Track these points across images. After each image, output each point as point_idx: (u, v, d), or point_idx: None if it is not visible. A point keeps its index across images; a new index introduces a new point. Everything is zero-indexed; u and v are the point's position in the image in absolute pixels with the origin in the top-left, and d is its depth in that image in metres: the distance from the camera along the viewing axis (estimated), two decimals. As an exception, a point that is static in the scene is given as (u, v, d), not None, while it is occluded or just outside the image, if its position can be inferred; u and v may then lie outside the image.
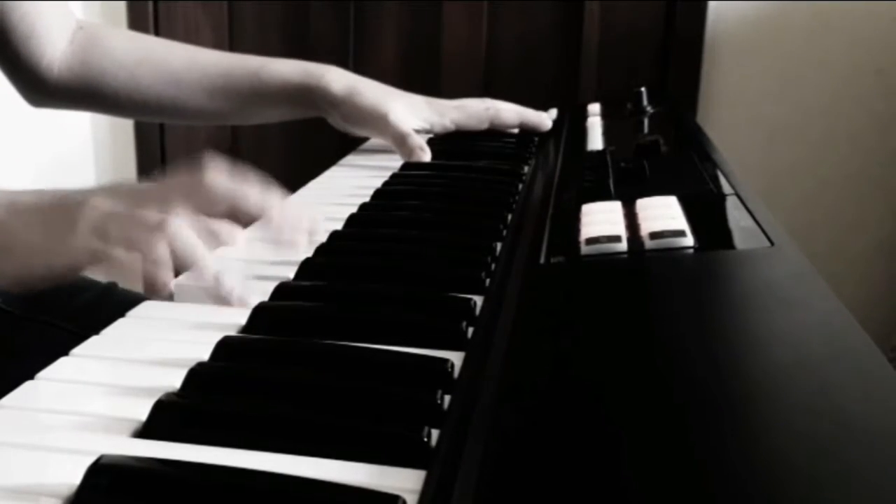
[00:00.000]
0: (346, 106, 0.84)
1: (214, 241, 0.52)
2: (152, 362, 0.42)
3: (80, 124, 1.88)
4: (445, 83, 1.75)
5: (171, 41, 0.91)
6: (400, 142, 0.85)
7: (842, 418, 0.32)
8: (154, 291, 0.50)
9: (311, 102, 0.86)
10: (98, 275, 0.53)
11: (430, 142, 0.93)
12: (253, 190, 0.54)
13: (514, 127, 0.95)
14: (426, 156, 0.84)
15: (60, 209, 0.53)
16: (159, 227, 0.50)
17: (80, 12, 1.87)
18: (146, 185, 0.56)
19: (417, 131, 0.87)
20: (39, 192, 0.55)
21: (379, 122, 0.85)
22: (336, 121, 0.87)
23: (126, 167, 1.89)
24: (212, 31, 1.85)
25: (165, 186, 0.54)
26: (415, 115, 0.88)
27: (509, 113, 0.94)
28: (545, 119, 0.97)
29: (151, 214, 0.51)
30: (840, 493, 0.27)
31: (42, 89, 0.85)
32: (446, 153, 0.92)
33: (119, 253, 0.50)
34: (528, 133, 0.96)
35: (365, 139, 1.01)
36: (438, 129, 0.91)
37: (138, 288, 0.52)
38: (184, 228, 0.51)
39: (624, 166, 0.68)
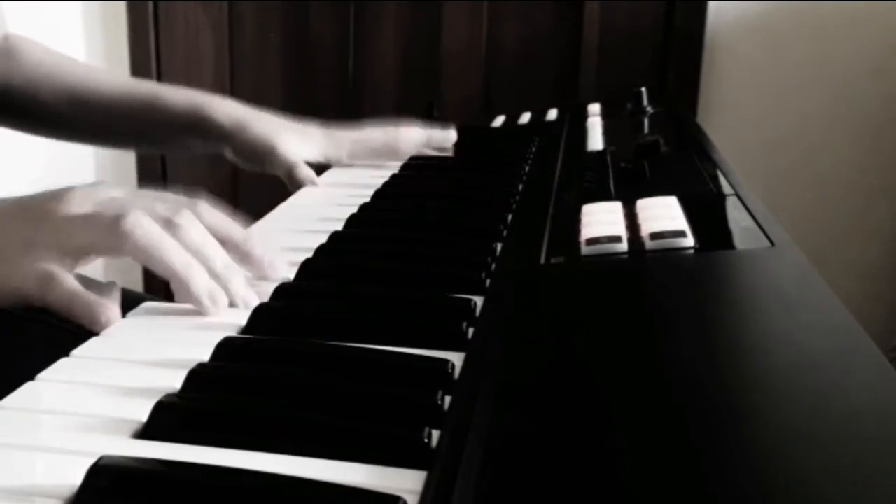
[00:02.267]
0: (235, 140, 0.82)
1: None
2: (152, 363, 0.42)
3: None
4: (445, 83, 1.75)
5: (81, 62, 0.90)
6: (288, 175, 0.81)
7: (842, 418, 0.32)
8: (96, 324, 0.46)
9: (203, 134, 0.83)
10: (42, 304, 0.48)
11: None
12: (237, 228, 0.53)
13: (417, 150, 0.91)
14: (316, 185, 0.81)
15: (21, 221, 0.48)
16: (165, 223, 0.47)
17: (80, 12, 1.87)
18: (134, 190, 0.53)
19: (312, 164, 0.84)
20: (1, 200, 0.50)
21: (267, 155, 0.81)
22: (230, 155, 0.84)
23: (127, 170, 1.89)
24: (212, 32, 1.85)
25: (154, 194, 0.51)
26: (307, 146, 0.84)
27: (413, 137, 0.90)
28: (451, 134, 0.92)
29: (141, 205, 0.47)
30: (841, 494, 0.27)
31: None
32: (446, 154, 0.92)
33: (68, 280, 0.47)
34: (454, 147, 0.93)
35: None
36: (333, 160, 0.87)
37: (83, 321, 0.47)
38: (192, 225, 0.48)
39: (624, 166, 0.68)
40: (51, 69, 0.85)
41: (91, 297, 0.47)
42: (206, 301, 0.48)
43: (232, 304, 0.49)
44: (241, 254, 0.52)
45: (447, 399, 0.38)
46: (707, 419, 0.32)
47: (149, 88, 0.86)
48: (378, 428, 0.36)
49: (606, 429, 0.33)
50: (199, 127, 0.82)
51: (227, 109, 0.82)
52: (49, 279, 0.47)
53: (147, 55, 1.85)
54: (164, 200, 0.50)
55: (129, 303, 0.51)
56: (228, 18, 1.85)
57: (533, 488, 0.29)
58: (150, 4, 1.85)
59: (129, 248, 0.46)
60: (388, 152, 0.89)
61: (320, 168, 0.86)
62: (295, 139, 0.83)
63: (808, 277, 0.44)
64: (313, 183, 0.81)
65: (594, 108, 1.05)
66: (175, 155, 0.89)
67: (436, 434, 0.35)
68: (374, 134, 0.89)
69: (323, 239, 0.62)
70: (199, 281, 0.48)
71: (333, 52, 1.81)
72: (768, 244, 0.50)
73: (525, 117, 1.13)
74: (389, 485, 0.32)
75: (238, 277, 0.50)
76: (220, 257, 0.50)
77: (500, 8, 1.73)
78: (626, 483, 0.29)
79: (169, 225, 0.48)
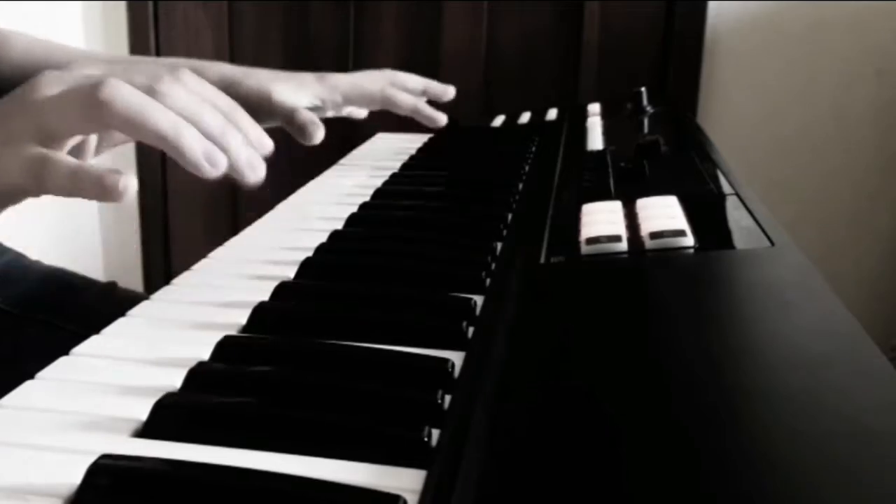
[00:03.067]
0: (230, 97, 0.81)
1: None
2: (152, 362, 0.42)
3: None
4: (445, 83, 1.75)
5: (71, 47, 0.89)
6: (288, 119, 0.79)
7: (842, 418, 0.32)
8: (113, 196, 0.43)
9: None
10: (45, 194, 0.44)
11: (431, 144, 0.93)
12: (223, 97, 0.49)
13: (407, 113, 0.89)
14: (319, 131, 0.78)
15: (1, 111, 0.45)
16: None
17: (80, 12, 1.87)
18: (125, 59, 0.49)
19: (310, 110, 0.81)
20: None
21: (263, 105, 0.79)
22: None
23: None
24: (212, 32, 1.85)
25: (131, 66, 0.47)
26: (303, 91, 0.82)
27: (410, 84, 0.89)
28: (450, 90, 0.92)
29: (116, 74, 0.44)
30: (841, 494, 0.27)
31: None
32: (446, 153, 0.92)
33: (62, 159, 0.43)
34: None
35: (364, 139, 1.01)
36: (329, 104, 0.85)
37: (94, 197, 0.43)
38: (176, 88, 0.44)
39: (624, 166, 0.68)
40: (41, 55, 0.84)
41: (97, 168, 0.43)
42: (203, 162, 0.44)
43: (233, 167, 0.46)
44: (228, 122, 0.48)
45: (447, 398, 0.38)
46: (706, 418, 0.32)
47: (138, 61, 0.85)
48: (378, 427, 0.36)
49: (606, 428, 0.33)
50: None
51: (218, 69, 0.81)
52: (41, 164, 0.43)
53: (147, 55, 1.85)
54: (141, 71, 0.46)
55: (129, 303, 0.51)
56: (228, 18, 1.85)
57: (533, 487, 0.29)
58: (150, 4, 1.85)
59: (109, 118, 0.43)
60: (383, 102, 0.88)
61: (321, 167, 0.86)
62: (290, 86, 0.81)
63: (808, 277, 0.44)
64: (314, 124, 0.79)
65: (594, 108, 1.05)
66: None
67: (436, 433, 0.35)
68: (371, 77, 0.88)
69: (323, 238, 0.62)
70: (191, 141, 0.44)
71: (333, 52, 1.81)
72: (768, 244, 0.50)
73: (525, 117, 1.13)
74: (389, 484, 0.32)
75: (236, 136, 0.46)
76: (212, 116, 0.46)
77: (500, 8, 1.73)
78: (625, 482, 0.29)
79: (150, 91, 0.44)
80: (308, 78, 0.84)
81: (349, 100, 0.86)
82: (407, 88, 0.89)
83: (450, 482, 0.31)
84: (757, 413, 0.33)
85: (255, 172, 0.46)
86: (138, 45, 1.85)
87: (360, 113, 0.91)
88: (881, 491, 0.27)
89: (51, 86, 0.44)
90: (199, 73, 0.79)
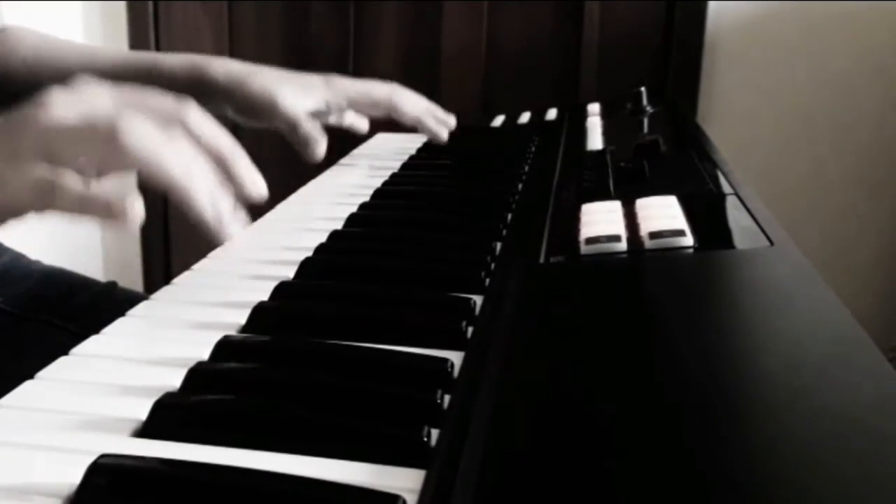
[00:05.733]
0: (235, 96, 0.80)
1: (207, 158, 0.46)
2: (152, 362, 0.42)
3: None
4: (445, 83, 1.75)
5: (78, 43, 0.89)
6: (291, 129, 0.79)
7: (842, 418, 0.32)
8: (120, 222, 0.43)
9: (203, 95, 0.79)
10: (51, 214, 0.44)
11: (431, 144, 0.93)
12: (225, 136, 0.49)
13: (412, 120, 0.89)
14: (320, 147, 0.79)
15: (3, 133, 0.45)
16: (137, 129, 0.43)
17: (80, 12, 1.87)
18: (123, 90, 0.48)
19: (315, 114, 0.82)
20: None
21: (268, 109, 0.79)
22: (232, 114, 0.82)
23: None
24: (212, 32, 1.85)
25: (139, 96, 0.47)
26: (309, 95, 0.82)
27: (416, 100, 0.89)
28: (451, 119, 0.92)
29: (124, 112, 0.44)
30: (840, 494, 0.27)
31: None
32: (446, 153, 0.92)
33: (70, 183, 0.43)
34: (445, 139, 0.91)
35: (364, 138, 1.01)
36: (335, 107, 0.85)
37: (101, 221, 0.44)
38: (175, 132, 0.44)
39: (624, 166, 0.68)
40: (48, 52, 0.84)
41: (107, 194, 0.43)
42: (209, 214, 0.45)
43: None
44: (225, 168, 0.49)
45: (447, 398, 0.38)
46: (705, 419, 0.32)
47: (146, 57, 0.84)
48: (377, 427, 0.36)
49: (605, 429, 0.33)
50: (198, 88, 0.80)
51: (225, 66, 0.81)
52: (49, 188, 0.43)
53: (147, 55, 1.85)
54: (152, 107, 0.47)
55: (129, 303, 0.51)
56: (228, 18, 1.85)
57: (532, 487, 0.29)
58: (150, 4, 1.85)
59: (122, 159, 0.43)
60: (389, 106, 0.87)
61: (321, 166, 0.86)
62: (295, 91, 0.81)
63: (808, 277, 0.44)
64: (316, 142, 0.79)
65: (594, 108, 1.05)
66: None
67: (435, 433, 0.35)
68: (378, 86, 0.87)
69: (323, 238, 0.62)
70: (200, 195, 0.45)
71: (333, 52, 1.81)
72: (767, 244, 0.50)
73: (525, 117, 1.13)
74: (389, 483, 0.32)
75: (226, 199, 0.47)
76: (209, 172, 0.47)
77: (500, 8, 1.73)
78: (624, 482, 0.29)
79: (161, 135, 0.45)
80: (314, 80, 0.84)
81: (354, 104, 0.86)
82: (412, 103, 0.89)
83: (449, 482, 0.31)
84: (756, 413, 0.33)
85: (234, 229, 0.47)
86: (138, 45, 1.85)
87: (363, 125, 0.91)
88: (881, 491, 0.27)
89: (64, 110, 0.44)
90: (206, 70, 0.79)
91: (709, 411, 0.33)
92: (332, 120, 0.85)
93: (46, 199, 0.44)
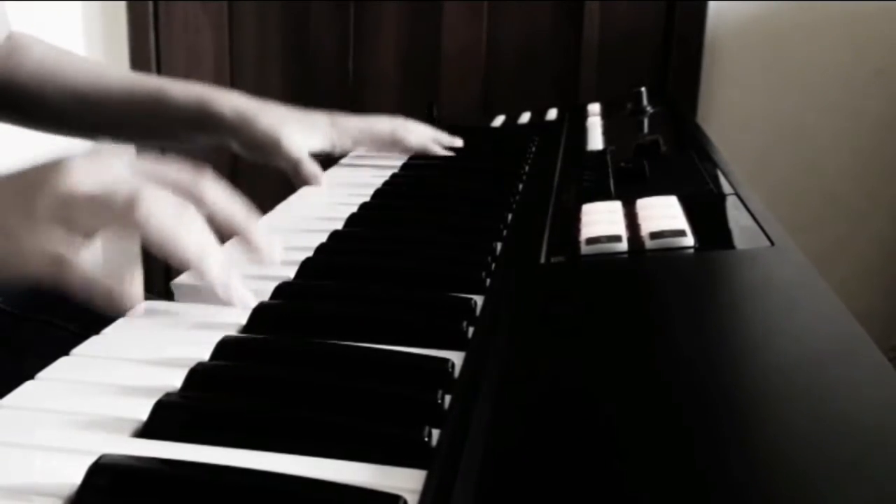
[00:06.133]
0: (240, 133, 0.81)
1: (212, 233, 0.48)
2: (152, 362, 0.42)
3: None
4: (445, 83, 1.75)
5: (85, 58, 0.90)
6: (293, 170, 0.81)
7: (842, 418, 0.32)
8: (116, 308, 0.46)
9: (208, 128, 0.82)
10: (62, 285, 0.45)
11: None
12: (240, 208, 0.51)
13: (419, 151, 0.90)
14: (320, 183, 0.81)
15: (14, 194, 0.46)
16: (152, 206, 0.44)
17: (80, 12, 1.87)
18: (135, 159, 0.49)
19: (317, 155, 0.83)
20: None
21: (272, 148, 0.81)
22: (237, 149, 0.83)
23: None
24: (212, 31, 1.85)
25: (158, 168, 0.49)
26: (313, 137, 0.84)
27: (420, 131, 0.90)
28: (457, 141, 0.92)
29: (140, 188, 0.45)
30: (840, 494, 0.27)
31: None
32: (446, 153, 0.92)
33: (79, 262, 0.44)
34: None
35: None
36: (339, 150, 0.87)
37: (101, 304, 0.46)
38: (190, 209, 0.46)
39: (624, 166, 0.68)
40: (55, 66, 0.84)
41: (109, 282, 0.45)
42: (222, 287, 0.48)
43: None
44: (241, 238, 0.51)
45: (447, 398, 0.38)
46: (706, 418, 0.32)
47: (153, 84, 0.85)
48: (378, 427, 0.36)
49: (605, 429, 0.33)
50: (204, 122, 0.81)
51: (231, 103, 0.81)
52: (60, 263, 0.44)
53: (147, 55, 1.85)
54: (170, 179, 0.48)
55: (129, 302, 0.51)
56: (228, 18, 1.85)
57: (532, 488, 0.29)
58: (150, 4, 1.84)
59: (143, 236, 0.45)
60: (393, 143, 0.88)
61: (325, 163, 0.86)
62: (300, 131, 0.82)
63: (808, 277, 0.44)
64: (318, 181, 0.81)
65: (594, 108, 1.05)
66: (180, 148, 0.86)
67: (436, 433, 0.35)
68: (381, 124, 0.88)
69: (323, 238, 0.62)
70: (214, 270, 0.47)
71: (333, 53, 1.81)
72: (768, 244, 0.50)
73: (525, 117, 1.13)
74: (389, 484, 0.32)
75: (237, 280, 0.50)
76: (221, 254, 0.49)
77: (500, 8, 1.73)
78: (624, 482, 0.29)
79: (178, 212, 0.46)
80: (320, 121, 0.85)
81: (358, 143, 0.87)
82: (417, 135, 0.90)
83: (450, 482, 0.31)
84: (757, 413, 0.33)
85: (244, 300, 0.49)
86: (138, 45, 1.85)
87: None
88: (881, 491, 0.27)
89: (84, 177, 0.45)
90: (213, 105, 0.80)
91: (709, 411, 0.33)
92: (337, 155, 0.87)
93: (53, 276, 0.44)
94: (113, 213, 0.44)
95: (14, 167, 0.47)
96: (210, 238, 0.47)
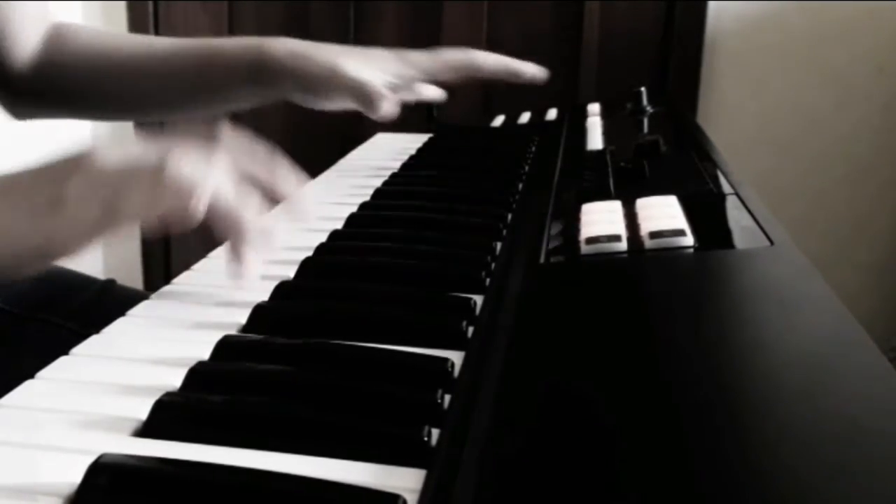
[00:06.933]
0: (297, 73, 0.76)
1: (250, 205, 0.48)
2: (152, 361, 0.42)
3: (80, 123, 1.88)
4: (445, 83, 1.75)
5: (128, 34, 0.88)
6: (358, 94, 0.74)
7: (842, 418, 0.32)
8: (185, 217, 0.45)
9: (263, 78, 0.77)
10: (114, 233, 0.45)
11: (431, 144, 0.93)
12: (283, 170, 0.51)
13: (496, 72, 0.84)
14: (385, 103, 0.74)
15: (43, 181, 0.46)
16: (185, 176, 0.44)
17: (80, 12, 1.87)
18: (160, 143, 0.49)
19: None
20: (17, 172, 0.48)
21: (329, 78, 0.75)
22: (295, 95, 0.78)
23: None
24: (212, 32, 1.85)
25: (187, 144, 0.48)
26: (377, 67, 0.77)
27: (496, 59, 0.85)
28: (529, 66, 0.87)
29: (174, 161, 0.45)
30: (840, 494, 0.27)
31: (13, 91, 0.84)
32: (446, 153, 0.92)
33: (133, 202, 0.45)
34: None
35: (365, 138, 1.01)
36: (407, 80, 0.79)
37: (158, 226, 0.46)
38: (221, 178, 0.46)
39: (624, 166, 0.68)
40: (103, 45, 0.82)
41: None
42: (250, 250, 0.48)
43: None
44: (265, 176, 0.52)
45: (447, 398, 0.38)
46: (705, 418, 0.32)
47: (203, 43, 0.81)
48: (378, 426, 0.36)
49: (605, 429, 0.33)
50: (259, 70, 0.77)
51: (286, 46, 0.77)
52: (110, 204, 0.45)
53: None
54: (189, 146, 0.48)
55: (129, 301, 0.51)
56: (228, 18, 1.85)
57: (532, 487, 0.29)
58: (150, 4, 1.85)
59: (174, 195, 0.45)
60: (468, 67, 0.82)
61: (321, 167, 0.85)
62: (361, 61, 0.77)
63: (808, 277, 0.44)
64: (380, 95, 0.74)
65: (594, 108, 1.05)
66: (225, 112, 0.82)
67: (435, 433, 0.35)
68: (450, 51, 0.82)
69: (323, 237, 0.62)
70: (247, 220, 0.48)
71: (333, 52, 1.81)
72: (768, 243, 0.50)
73: (525, 117, 1.13)
74: (389, 483, 0.32)
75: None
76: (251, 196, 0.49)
77: (500, 8, 1.73)
78: (623, 482, 0.29)
79: (206, 171, 0.46)
80: (382, 53, 0.80)
81: (429, 73, 0.81)
82: (491, 57, 0.84)
83: (449, 482, 0.31)
84: (756, 412, 0.33)
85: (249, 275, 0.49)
86: (138, 45, 1.85)
87: (437, 95, 0.86)
88: (881, 491, 0.27)
89: (107, 156, 0.46)
90: (267, 51, 0.77)
91: (709, 411, 0.33)
92: (406, 94, 0.81)
93: (110, 215, 0.45)
94: (141, 179, 0.45)
95: (24, 166, 0.48)
96: (243, 194, 0.48)
